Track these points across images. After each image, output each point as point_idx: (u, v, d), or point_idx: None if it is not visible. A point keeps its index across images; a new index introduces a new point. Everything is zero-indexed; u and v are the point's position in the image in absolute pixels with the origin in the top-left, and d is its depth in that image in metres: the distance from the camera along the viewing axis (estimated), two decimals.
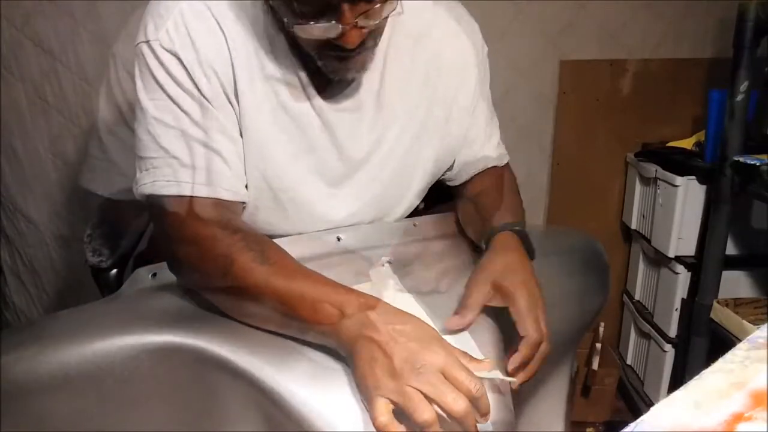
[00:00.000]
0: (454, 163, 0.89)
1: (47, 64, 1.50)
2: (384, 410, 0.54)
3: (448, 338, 0.61)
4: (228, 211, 0.71)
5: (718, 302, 1.32)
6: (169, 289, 0.72)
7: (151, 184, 0.69)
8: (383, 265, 0.78)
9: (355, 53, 0.67)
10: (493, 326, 0.70)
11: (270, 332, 0.64)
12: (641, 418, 0.35)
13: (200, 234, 0.67)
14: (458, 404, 0.53)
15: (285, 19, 0.65)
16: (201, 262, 0.66)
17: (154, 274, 0.76)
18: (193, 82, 0.69)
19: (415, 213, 0.89)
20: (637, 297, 1.70)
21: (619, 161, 1.74)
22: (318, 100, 0.75)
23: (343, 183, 0.80)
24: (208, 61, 0.69)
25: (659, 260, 1.55)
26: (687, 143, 1.56)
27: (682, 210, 1.43)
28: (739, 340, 0.42)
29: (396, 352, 0.55)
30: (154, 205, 0.70)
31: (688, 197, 1.42)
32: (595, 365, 1.58)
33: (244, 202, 0.74)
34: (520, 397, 0.70)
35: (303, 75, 0.74)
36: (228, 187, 0.71)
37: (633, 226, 1.69)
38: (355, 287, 0.65)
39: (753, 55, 1.21)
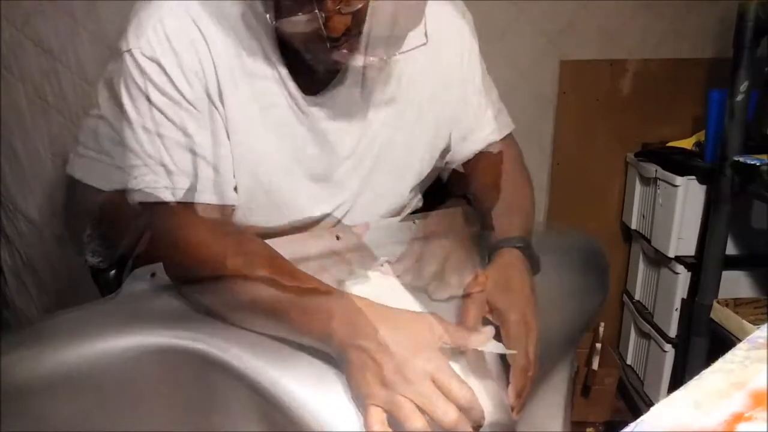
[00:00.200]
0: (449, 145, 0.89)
1: (47, 64, 1.50)
2: (377, 419, 0.54)
3: None
4: (217, 215, 0.71)
5: (718, 302, 1.32)
6: (168, 289, 0.72)
7: (140, 191, 0.70)
8: (382, 265, 0.78)
9: (341, 42, 0.66)
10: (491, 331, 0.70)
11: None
12: (641, 418, 0.35)
13: (190, 240, 0.67)
14: (448, 415, 0.53)
15: (268, 16, 0.64)
16: (192, 267, 0.66)
17: (153, 274, 0.76)
18: (176, 88, 0.69)
19: (415, 211, 0.90)
20: (637, 297, 1.70)
21: (619, 161, 1.73)
22: (304, 99, 0.75)
23: (332, 180, 0.80)
24: (190, 66, 0.69)
25: (659, 260, 1.55)
26: (687, 143, 1.55)
27: (682, 210, 1.43)
28: (739, 340, 0.41)
29: (386, 361, 0.55)
30: (145, 212, 0.71)
31: (688, 197, 1.42)
32: (595, 365, 1.58)
33: (233, 205, 0.75)
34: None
35: (287, 74, 0.74)
36: (216, 192, 0.71)
37: (633, 226, 1.69)
38: (354, 287, 0.65)
39: (753, 55, 1.21)
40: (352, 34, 0.67)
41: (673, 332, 1.49)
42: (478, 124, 0.89)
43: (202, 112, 0.71)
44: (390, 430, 0.54)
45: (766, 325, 0.43)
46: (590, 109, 1.69)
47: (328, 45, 0.65)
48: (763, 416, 0.34)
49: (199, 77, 0.70)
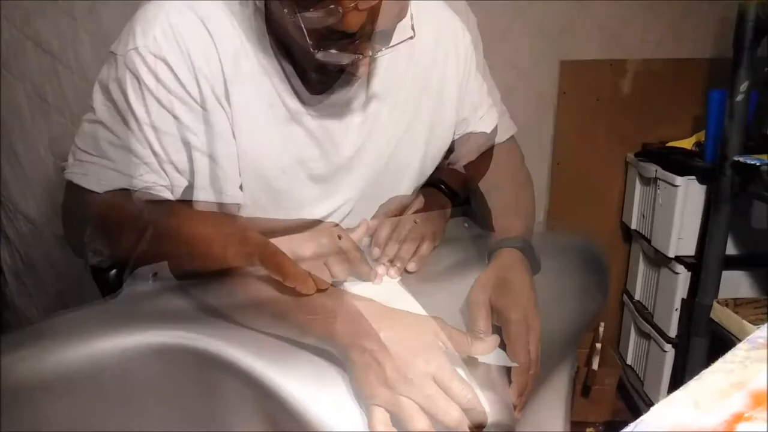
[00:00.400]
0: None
1: (47, 64, 1.50)
2: (380, 420, 0.54)
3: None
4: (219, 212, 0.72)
5: (718, 302, 1.32)
6: (170, 289, 0.72)
7: (143, 190, 0.70)
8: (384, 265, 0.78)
9: (356, 38, 0.66)
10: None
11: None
12: (641, 418, 0.35)
13: (194, 236, 0.68)
14: (450, 416, 0.53)
15: (285, 10, 0.64)
16: (196, 264, 0.67)
17: (155, 274, 0.76)
18: (183, 87, 0.70)
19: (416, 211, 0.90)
20: (637, 297, 1.70)
21: (619, 161, 1.73)
22: (308, 100, 0.75)
23: (333, 180, 0.80)
24: (198, 65, 0.70)
25: (659, 260, 1.55)
26: (687, 143, 1.56)
27: (682, 210, 1.43)
28: (739, 340, 0.41)
29: (388, 361, 0.55)
30: (148, 210, 0.71)
31: (688, 197, 1.42)
32: (595, 365, 1.58)
33: (239, 204, 0.75)
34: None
35: (292, 75, 0.74)
36: (218, 190, 0.72)
37: (633, 226, 1.69)
38: (355, 287, 0.65)
39: (753, 55, 1.21)
40: (365, 31, 0.67)
41: (673, 332, 1.49)
42: (480, 125, 0.89)
43: (208, 111, 0.71)
44: (394, 430, 0.54)
45: (766, 325, 0.43)
46: (590, 109, 1.69)
47: (342, 42, 0.64)
48: (763, 416, 0.34)
49: (206, 77, 0.70)
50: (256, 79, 0.73)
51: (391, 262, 0.78)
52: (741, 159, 1.22)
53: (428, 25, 0.80)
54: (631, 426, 0.34)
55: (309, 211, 0.80)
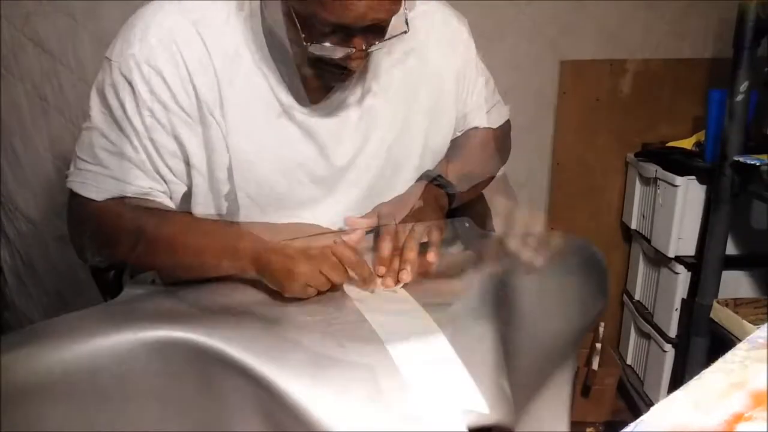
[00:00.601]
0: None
1: (47, 64, 1.50)
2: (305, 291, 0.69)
3: (439, 345, 0.62)
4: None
5: (718, 302, 1.32)
6: (168, 288, 0.73)
7: (144, 196, 0.74)
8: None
9: (354, 70, 0.70)
10: (492, 333, 0.69)
11: (266, 325, 0.65)
12: (641, 418, 0.35)
13: (191, 247, 0.73)
14: (363, 269, 0.72)
15: (303, 35, 0.66)
16: (194, 275, 0.74)
17: (152, 281, 0.77)
18: (177, 101, 0.71)
19: None
20: (637, 297, 1.70)
21: (619, 161, 1.73)
22: (302, 108, 0.76)
23: (328, 188, 0.81)
24: (192, 72, 0.71)
25: (659, 260, 1.55)
26: (687, 143, 1.55)
27: (682, 210, 1.43)
28: (739, 340, 0.42)
29: (297, 254, 0.69)
30: (148, 219, 0.74)
31: (688, 197, 1.42)
32: (595, 365, 1.58)
33: (232, 214, 0.77)
34: (521, 399, 0.70)
35: (287, 83, 0.74)
36: (216, 201, 0.75)
37: (633, 226, 1.69)
38: (355, 289, 0.65)
39: (753, 55, 1.21)
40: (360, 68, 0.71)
41: (673, 332, 1.49)
42: (485, 121, 0.90)
43: (202, 123, 0.72)
44: (313, 288, 0.69)
45: (766, 325, 0.43)
46: (590, 109, 1.69)
47: (342, 73, 0.71)
48: (763, 416, 0.34)
49: (201, 85, 0.71)
50: (252, 81, 0.73)
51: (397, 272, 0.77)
52: (741, 159, 1.22)
53: (423, 19, 0.80)
54: (631, 426, 0.34)
55: (310, 212, 0.80)
